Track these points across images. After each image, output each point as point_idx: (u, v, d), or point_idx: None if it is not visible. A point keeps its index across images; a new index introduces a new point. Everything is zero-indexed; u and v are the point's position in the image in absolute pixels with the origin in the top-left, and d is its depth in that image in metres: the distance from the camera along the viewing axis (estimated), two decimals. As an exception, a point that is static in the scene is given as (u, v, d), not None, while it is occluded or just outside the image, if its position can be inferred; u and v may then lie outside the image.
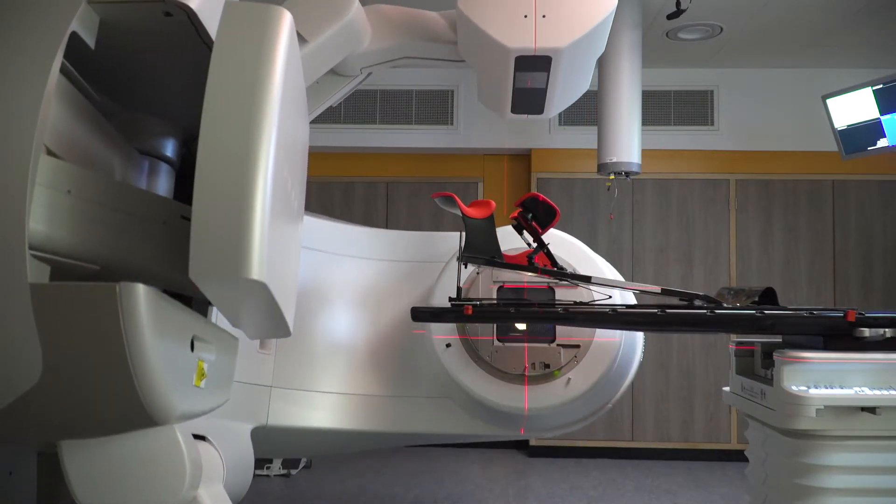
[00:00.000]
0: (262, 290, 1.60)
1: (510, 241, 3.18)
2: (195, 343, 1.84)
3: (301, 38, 2.85)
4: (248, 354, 2.95)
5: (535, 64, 2.93)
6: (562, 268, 3.12)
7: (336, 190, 6.27)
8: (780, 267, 5.86)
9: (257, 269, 1.54)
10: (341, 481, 4.99)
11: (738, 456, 4.78)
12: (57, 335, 1.62)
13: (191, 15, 1.82)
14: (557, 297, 3.35)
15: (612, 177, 4.85)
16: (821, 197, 5.89)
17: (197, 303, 2.22)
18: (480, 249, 3.06)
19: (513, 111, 3.24)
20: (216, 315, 2.35)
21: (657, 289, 3.06)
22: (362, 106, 6.11)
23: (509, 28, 2.87)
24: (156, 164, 2.36)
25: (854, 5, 4.77)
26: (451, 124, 6.11)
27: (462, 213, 3.03)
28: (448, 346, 3.31)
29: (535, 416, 3.31)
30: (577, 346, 3.30)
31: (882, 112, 4.50)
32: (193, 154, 1.66)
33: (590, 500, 4.59)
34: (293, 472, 5.11)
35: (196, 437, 2.38)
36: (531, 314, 3.05)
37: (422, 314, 3.04)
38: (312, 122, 3.03)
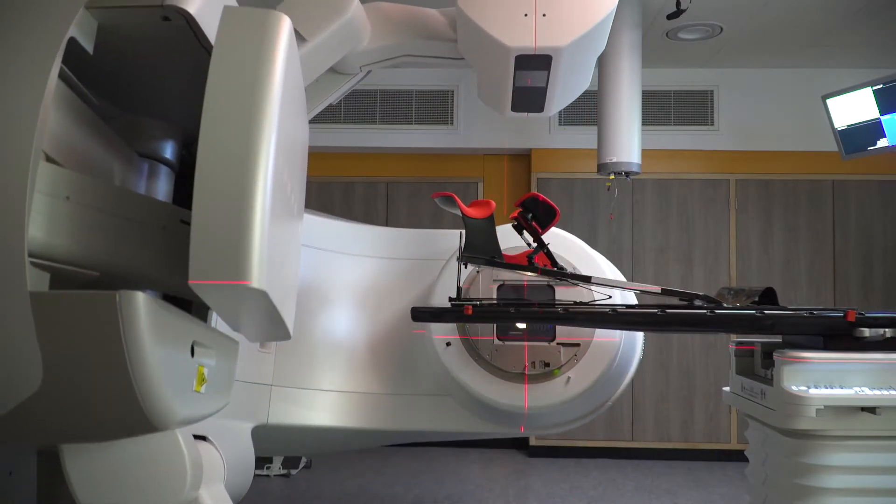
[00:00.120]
0: (262, 297, 1.60)
1: (510, 239, 3.18)
2: (195, 348, 1.84)
3: (301, 37, 2.85)
4: (248, 353, 2.95)
5: (536, 63, 2.93)
6: (562, 268, 3.12)
7: (336, 190, 6.27)
8: (780, 267, 5.86)
9: (257, 278, 1.54)
10: (341, 481, 4.99)
11: (738, 456, 4.78)
12: (57, 343, 1.62)
13: (189, 19, 1.82)
14: (558, 295, 3.35)
15: (612, 177, 4.85)
16: (821, 197, 5.89)
17: (197, 306, 2.22)
18: (480, 249, 3.06)
19: (513, 109, 3.24)
20: (216, 318, 2.35)
21: (657, 289, 3.06)
22: (362, 106, 6.11)
23: (509, 27, 2.86)
24: (155, 166, 2.36)
25: (854, 5, 4.77)
26: (451, 124, 6.11)
27: (462, 213, 3.03)
28: (448, 344, 3.31)
29: (535, 414, 3.32)
30: (577, 345, 3.31)
31: (882, 112, 4.50)
32: (193, 156, 1.66)
33: (590, 500, 4.59)
34: (293, 472, 5.11)
35: (197, 437, 2.38)
36: (531, 314, 3.05)
37: (422, 314, 3.04)
38: (312, 121, 3.03)
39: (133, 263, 1.93)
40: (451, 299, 3.07)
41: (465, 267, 3.25)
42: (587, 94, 5.25)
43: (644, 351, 3.60)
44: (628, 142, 4.76)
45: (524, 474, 5.31)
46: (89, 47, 1.82)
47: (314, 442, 3.67)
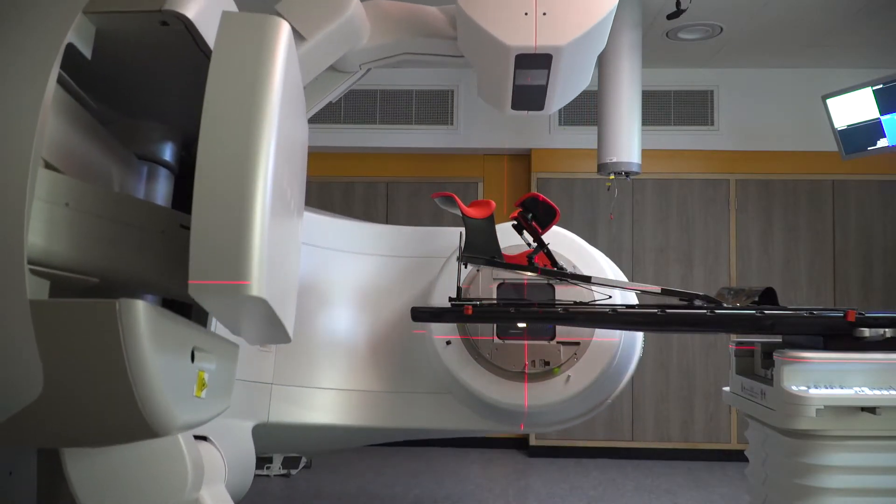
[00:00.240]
0: (262, 304, 1.60)
1: (509, 238, 3.18)
2: (195, 354, 1.84)
3: (300, 36, 2.85)
4: (248, 352, 2.95)
5: (536, 62, 2.92)
6: (562, 267, 3.12)
7: (336, 190, 6.28)
8: (780, 267, 5.86)
9: (257, 286, 1.54)
10: (341, 481, 4.99)
11: (738, 456, 4.78)
12: (58, 351, 1.62)
13: (188, 24, 1.82)
14: (558, 295, 3.35)
15: (612, 177, 4.85)
16: (821, 197, 5.89)
17: (196, 310, 2.22)
18: (480, 249, 3.06)
19: (513, 107, 3.24)
20: (216, 321, 2.36)
21: (657, 289, 3.06)
22: (362, 106, 6.11)
23: (509, 26, 2.86)
24: (154, 168, 2.35)
25: (854, 5, 4.77)
26: (451, 124, 6.11)
27: (462, 213, 3.03)
28: (448, 343, 3.32)
29: (535, 412, 3.32)
30: (577, 344, 3.31)
31: (882, 112, 4.50)
32: (192, 157, 1.66)
33: (590, 500, 4.59)
34: (293, 472, 5.11)
35: (197, 437, 2.38)
36: (531, 314, 3.06)
37: (422, 314, 3.04)
38: (312, 121, 3.03)
39: (132, 269, 1.93)
40: (451, 299, 3.07)
41: (465, 267, 3.25)
42: (587, 94, 5.25)
43: (644, 349, 3.60)
44: (628, 142, 4.76)
45: (524, 474, 5.30)
46: (87, 53, 1.82)
47: (315, 440, 3.68)
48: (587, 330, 3.32)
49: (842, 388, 2.54)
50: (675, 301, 3.03)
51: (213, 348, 1.99)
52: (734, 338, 3.53)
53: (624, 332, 3.36)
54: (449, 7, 3.19)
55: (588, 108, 5.76)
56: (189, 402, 1.84)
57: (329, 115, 6.04)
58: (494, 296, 3.39)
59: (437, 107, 6.12)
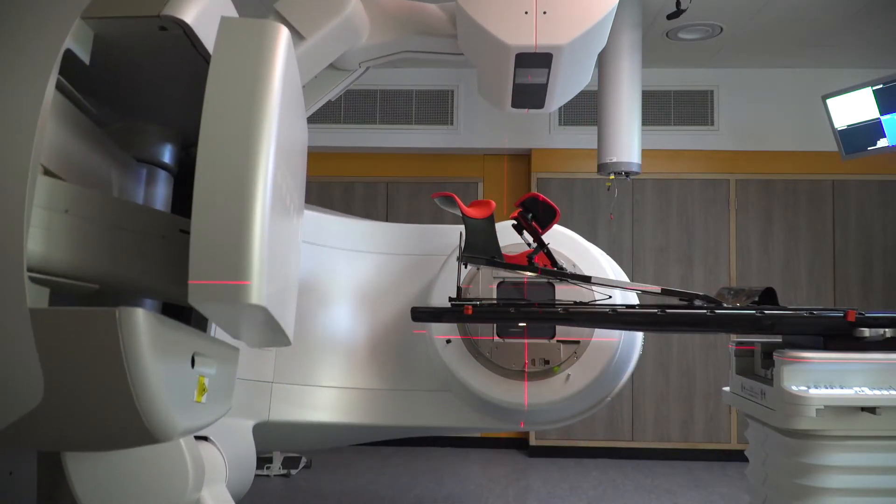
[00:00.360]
0: (262, 312, 1.60)
1: (509, 237, 3.18)
2: (195, 359, 1.85)
3: (299, 35, 2.84)
4: (249, 351, 2.95)
5: (536, 60, 2.92)
6: (562, 267, 3.12)
7: (336, 190, 6.28)
8: (780, 267, 5.87)
9: (257, 295, 1.54)
10: (341, 481, 4.99)
11: (738, 456, 4.78)
12: (58, 358, 1.63)
13: (186, 29, 1.81)
14: (558, 294, 3.35)
15: (612, 177, 4.85)
16: (821, 197, 5.89)
17: (196, 314, 2.22)
18: (480, 249, 3.06)
19: (513, 105, 3.23)
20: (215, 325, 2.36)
21: (657, 289, 3.06)
22: (362, 106, 6.11)
23: (509, 24, 2.85)
24: (154, 171, 2.35)
25: (854, 5, 4.77)
26: (451, 124, 6.11)
27: (462, 213, 3.03)
28: (448, 342, 3.32)
29: (534, 410, 3.32)
30: (577, 343, 3.31)
31: (882, 112, 4.50)
32: (191, 159, 1.66)
33: (590, 500, 4.59)
34: (293, 472, 5.11)
35: (198, 437, 2.38)
36: (531, 314, 3.06)
37: (422, 314, 3.05)
38: (312, 121, 3.02)
39: (132, 274, 1.93)
40: (451, 299, 3.07)
41: (465, 267, 3.25)
42: (587, 94, 5.26)
43: (644, 348, 3.60)
44: (628, 142, 4.76)
45: (524, 474, 5.31)
46: (86, 58, 1.81)
47: (315, 438, 3.69)
48: (587, 329, 3.32)
49: (842, 388, 2.54)
50: (675, 301, 3.03)
51: (214, 353, 1.99)
52: (734, 338, 3.53)
53: (624, 330, 3.36)
54: (448, 4, 3.19)
55: (588, 108, 5.76)
56: (189, 407, 1.84)
57: (329, 115, 6.04)
58: (494, 295, 3.39)
59: (437, 107, 6.12)
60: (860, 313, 2.69)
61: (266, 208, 1.57)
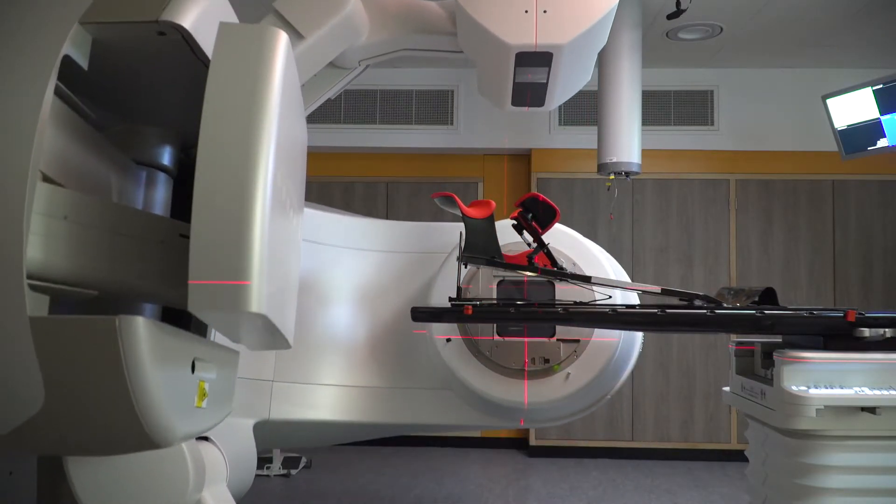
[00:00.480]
0: (262, 319, 1.60)
1: (508, 236, 3.19)
2: (195, 364, 1.85)
3: (298, 35, 2.84)
4: (249, 350, 2.96)
5: (536, 59, 2.91)
6: (562, 267, 3.13)
7: (336, 190, 6.28)
8: (780, 267, 5.86)
9: (256, 303, 1.54)
10: (341, 481, 4.99)
11: (738, 456, 4.78)
12: (58, 366, 1.63)
13: (185, 34, 1.81)
14: (558, 293, 3.35)
15: (612, 177, 4.85)
16: (821, 197, 5.89)
17: (196, 318, 2.22)
18: (480, 249, 3.06)
19: (513, 104, 3.23)
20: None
21: (657, 289, 3.06)
22: (362, 106, 6.11)
23: (509, 23, 2.84)
24: (153, 173, 2.34)
25: (854, 5, 4.77)
26: (451, 124, 6.11)
27: (462, 213, 3.03)
28: (448, 340, 3.32)
29: (534, 409, 3.33)
30: (577, 341, 3.31)
31: (882, 112, 4.50)
32: (191, 160, 1.65)
33: (590, 500, 4.59)
34: (293, 472, 5.11)
35: (199, 437, 2.38)
36: (531, 314, 3.06)
37: (421, 314, 3.04)
38: (312, 121, 3.02)
39: (132, 280, 1.93)
40: (451, 299, 3.07)
41: (465, 266, 3.25)
42: (587, 94, 5.25)
43: (643, 346, 3.61)
44: (628, 142, 4.76)
45: (524, 474, 5.31)
46: (84, 64, 1.81)
47: (315, 436, 3.70)
48: (587, 328, 3.32)
49: (842, 388, 2.54)
50: (675, 301, 3.03)
51: (214, 357, 1.99)
52: (734, 338, 3.53)
53: (624, 330, 3.36)
54: (448, 2, 3.18)
55: (588, 108, 5.76)
56: (190, 412, 1.84)
57: (329, 115, 6.04)
58: (494, 294, 3.39)
59: (437, 107, 6.12)
60: (860, 313, 2.68)
61: (266, 214, 1.56)
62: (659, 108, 5.95)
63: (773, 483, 2.76)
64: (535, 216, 3.08)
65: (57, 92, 1.72)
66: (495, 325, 3.35)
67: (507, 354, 3.32)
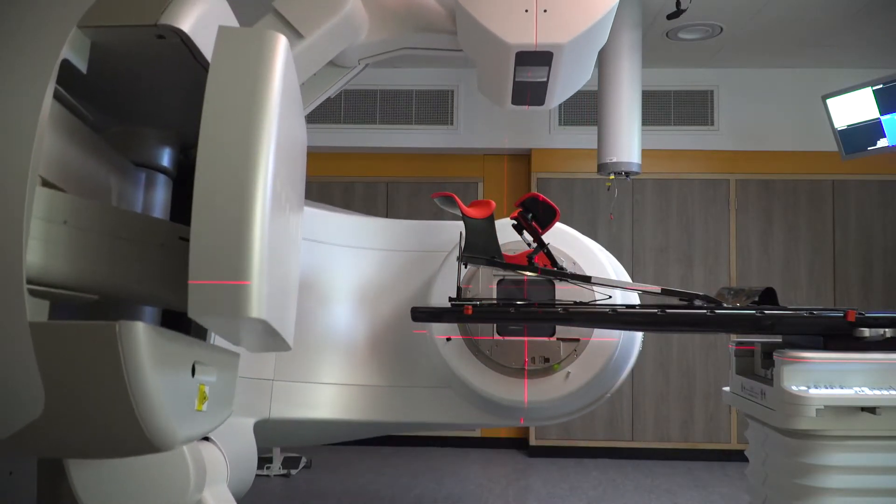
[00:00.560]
0: (262, 324, 1.60)
1: (509, 234, 3.19)
2: (196, 367, 1.85)
3: (298, 34, 2.83)
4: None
5: (537, 59, 2.91)
6: (562, 267, 3.13)
7: (336, 190, 6.28)
8: (780, 267, 5.87)
9: (256, 308, 1.54)
10: (341, 481, 4.99)
11: (738, 456, 4.78)
12: (58, 371, 1.63)
13: (184, 37, 1.80)
14: (558, 293, 3.35)
15: (612, 177, 4.85)
16: (821, 197, 5.89)
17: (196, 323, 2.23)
18: (480, 249, 3.06)
19: (513, 102, 3.22)
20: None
21: (657, 289, 3.06)
22: (362, 106, 6.11)
23: (509, 23, 2.84)
24: (152, 175, 2.34)
25: (854, 5, 4.77)
26: (451, 124, 6.11)
27: (462, 213, 3.03)
28: (448, 339, 3.32)
29: (534, 407, 3.33)
30: (577, 340, 3.31)
31: (882, 112, 4.50)
32: (190, 161, 1.65)
33: (590, 500, 4.59)
34: (293, 472, 5.11)
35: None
36: (531, 314, 3.06)
37: (421, 315, 3.04)
38: (312, 121, 3.02)
39: (132, 283, 1.93)
40: (451, 299, 3.07)
41: (465, 266, 3.25)
42: (587, 94, 5.26)
43: (643, 345, 3.61)
44: (628, 142, 4.76)
45: (524, 474, 5.31)
46: (83, 67, 1.80)
47: (316, 434, 3.70)
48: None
49: (842, 388, 2.54)
50: (675, 301, 3.03)
51: (214, 360, 1.99)
52: (734, 338, 3.53)
53: (623, 330, 3.36)
54: (448, 1, 3.17)
55: (588, 108, 5.76)
56: (190, 416, 1.84)
57: (329, 115, 6.05)
58: (494, 294, 3.40)
59: (437, 107, 6.12)
60: (860, 313, 2.68)
61: (266, 219, 1.56)
62: (659, 108, 5.95)
63: (773, 483, 2.76)
64: (535, 216, 3.08)
65: (56, 95, 1.71)
66: (495, 325, 3.35)
67: (507, 353, 3.32)
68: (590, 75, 3.30)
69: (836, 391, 2.52)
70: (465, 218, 3.05)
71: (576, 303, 3.11)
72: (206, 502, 2.17)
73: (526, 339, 3.32)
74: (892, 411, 2.48)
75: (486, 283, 3.41)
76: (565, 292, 3.32)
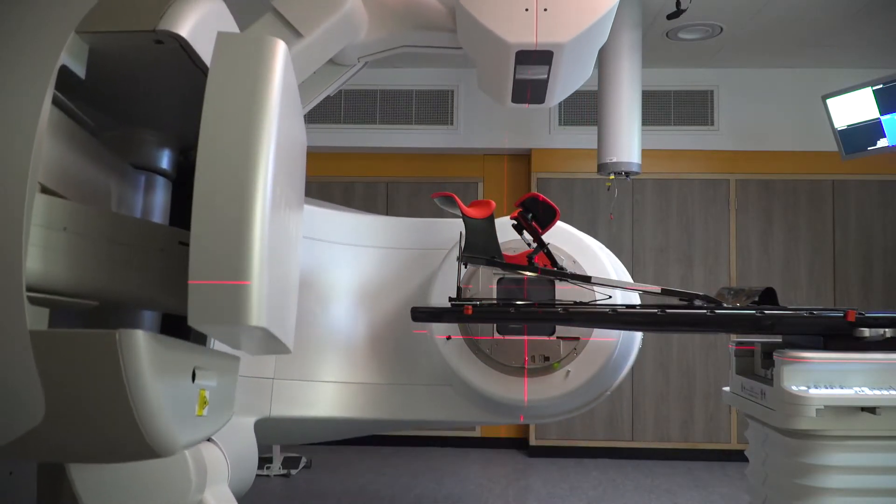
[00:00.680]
0: (262, 331, 1.60)
1: (509, 233, 3.19)
2: (196, 373, 1.85)
3: (297, 33, 2.83)
4: (250, 352, 2.96)
5: (537, 58, 2.90)
6: (562, 268, 3.13)
7: (336, 190, 6.28)
8: (780, 267, 5.86)
9: (256, 317, 1.54)
10: (341, 481, 4.99)
11: (738, 456, 4.78)
12: (59, 379, 1.63)
13: (182, 43, 1.80)
14: (558, 292, 3.35)
15: (612, 177, 4.85)
16: (821, 197, 5.89)
17: None
18: (480, 249, 3.06)
19: (513, 101, 3.21)
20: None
21: (657, 289, 3.06)
22: (362, 106, 6.11)
23: (510, 22, 2.83)
24: (152, 177, 2.33)
25: (854, 5, 4.77)
26: (451, 124, 6.11)
27: (462, 213, 3.03)
28: (448, 338, 3.32)
29: (534, 405, 3.34)
30: (577, 339, 3.31)
31: (882, 112, 4.50)
32: (189, 162, 1.65)
33: (590, 500, 4.59)
34: (293, 472, 5.11)
35: (199, 438, 2.38)
36: (531, 314, 3.06)
37: (421, 315, 3.05)
38: (312, 121, 3.02)
39: (132, 288, 1.93)
40: (450, 299, 3.07)
41: (466, 267, 3.25)
42: (587, 94, 5.26)
43: (643, 344, 3.61)
44: (628, 142, 4.76)
45: (524, 474, 5.30)
46: (81, 73, 1.80)
47: (316, 432, 3.71)
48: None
49: (842, 388, 2.54)
50: (675, 301, 3.03)
51: (214, 365, 1.99)
52: (734, 338, 3.52)
53: (623, 330, 3.36)
54: None
55: (588, 108, 5.76)
56: (191, 421, 1.84)
57: (329, 115, 6.05)
58: (494, 293, 3.40)
59: (437, 107, 6.12)
60: (860, 313, 2.68)
61: (265, 226, 1.56)
62: (659, 108, 5.95)
63: (773, 483, 2.76)
64: (535, 216, 3.08)
65: (54, 101, 1.71)
66: (495, 326, 3.36)
67: (507, 352, 3.32)
68: (590, 73, 3.30)
69: (836, 391, 2.52)
70: (465, 218, 3.05)
71: (576, 303, 3.11)
72: (208, 503, 2.17)
73: (526, 338, 3.33)
74: (892, 411, 2.48)
75: (486, 283, 3.41)
76: (565, 292, 3.32)
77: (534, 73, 2.99)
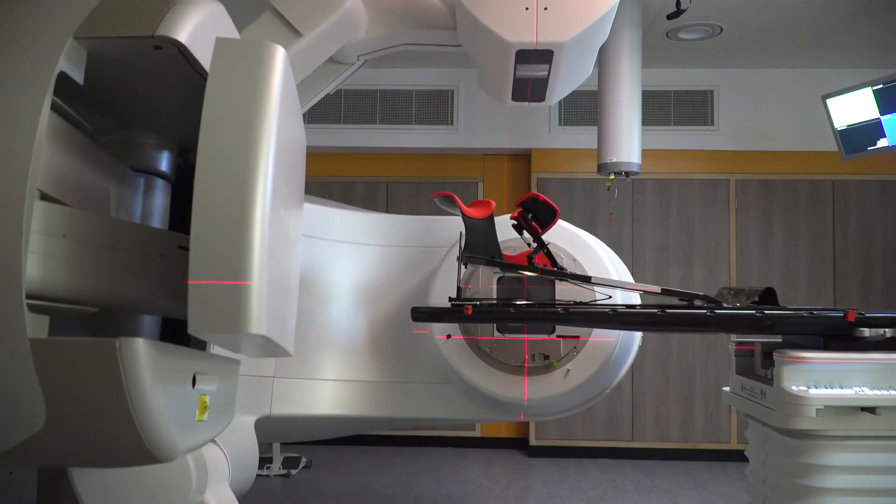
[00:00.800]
0: (262, 338, 1.61)
1: (509, 232, 3.19)
2: (196, 378, 1.85)
3: (296, 32, 2.82)
4: (250, 352, 2.96)
5: (537, 57, 2.90)
6: (562, 268, 3.13)
7: (336, 190, 6.28)
8: (780, 267, 5.87)
9: (256, 325, 1.54)
10: (341, 481, 4.99)
11: (738, 456, 4.78)
12: (59, 387, 1.63)
13: (181, 48, 1.79)
14: (558, 291, 3.35)
15: (612, 177, 4.84)
16: (821, 197, 5.89)
17: None
18: (480, 249, 3.07)
19: (513, 99, 3.21)
20: None
21: (657, 289, 3.06)
22: (362, 106, 6.11)
23: (510, 21, 2.83)
24: (151, 180, 2.33)
25: (854, 5, 4.77)
26: (451, 124, 6.11)
27: (462, 213, 3.03)
28: (448, 337, 3.33)
29: (534, 404, 3.34)
30: (577, 338, 3.32)
31: (882, 112, 4.50)
32: (189, 164, 1.65)
33: (590, 500, 4.59)
34: (293, 472, 5.11)
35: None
36: (531, 314, 3.06)
37: (421, 315, 3.05)
38: (312, 121, 3.02)
39: (132, 294, 1.92)
40: (450, 299, 3.07)
41: (466, 267, 3.25)
42: (587, 94, 5.26)
43: (643, 342, 3.62)
44: (628, 142, 4.76)
45: (524, 474, 5.31)
46: (79, 78, 1.79)
47: (316, 430, 3.71)
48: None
49: (842, 388, 2.54)
50: (675, 301, 3.03)
51: (215, 370, 1.99)
52: (734, 338, 3.53)
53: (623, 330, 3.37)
54: None
55: (588, 108, 5.76)
56: (192, 426, 1.84)
57: (329, 115, 6.05)
58: (494, 293, 3.40)
59: (437, 107, 6.12)
60: (860, 313, 2.69)
61: (265, 229, 1.56)
62: (659, 108, 5.95)
63: (773, 483, 2.76)
64: (535, 216, 3.08)
65: (53, 107, 1.70)
66: (495, 325, 3.36)
67: (507, 351, 3.33)
68: (590, 72, 3.30)
69: (836, 391, 2.52)
70: (465, 218, 3.05)
71: (576, 302, 3.12)
72: (209, 503, 2.18)
73: (526, 337, 3.33)
74: (892, 411, 2.48)
75: (486, 283, 3.41)
76: (565, 292, 3.32)
77: (534, 71, 2.99)
